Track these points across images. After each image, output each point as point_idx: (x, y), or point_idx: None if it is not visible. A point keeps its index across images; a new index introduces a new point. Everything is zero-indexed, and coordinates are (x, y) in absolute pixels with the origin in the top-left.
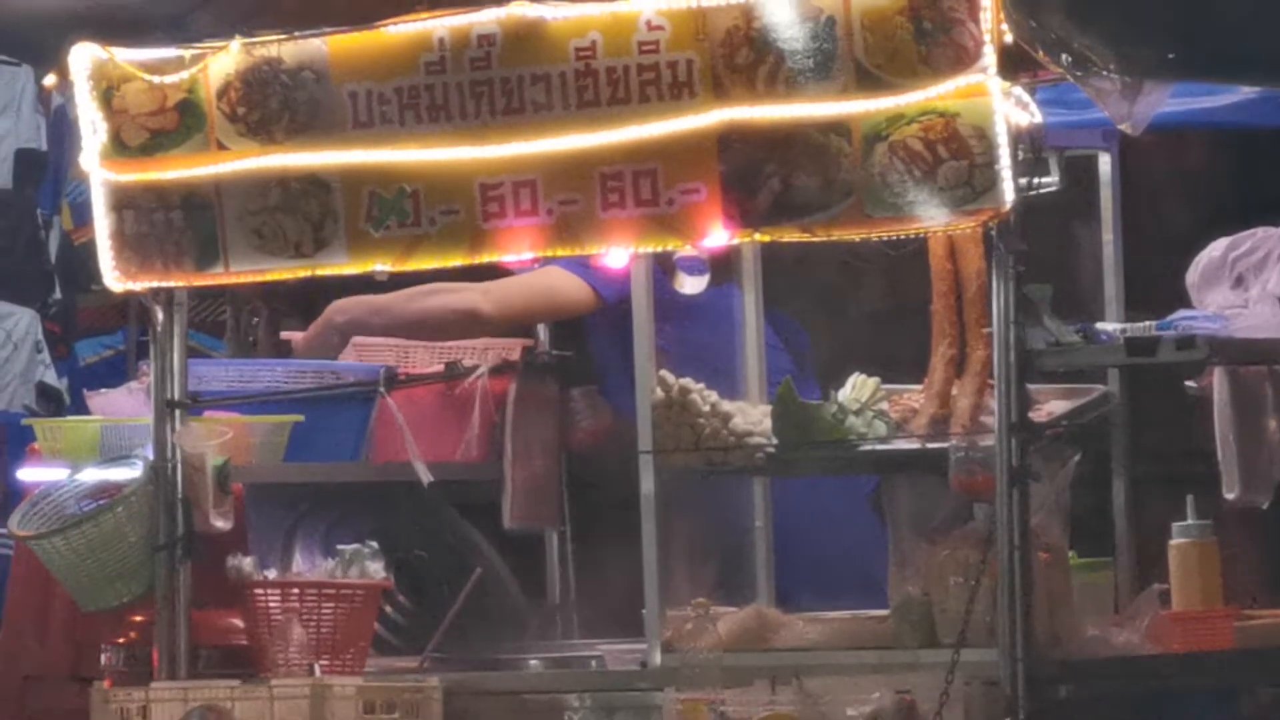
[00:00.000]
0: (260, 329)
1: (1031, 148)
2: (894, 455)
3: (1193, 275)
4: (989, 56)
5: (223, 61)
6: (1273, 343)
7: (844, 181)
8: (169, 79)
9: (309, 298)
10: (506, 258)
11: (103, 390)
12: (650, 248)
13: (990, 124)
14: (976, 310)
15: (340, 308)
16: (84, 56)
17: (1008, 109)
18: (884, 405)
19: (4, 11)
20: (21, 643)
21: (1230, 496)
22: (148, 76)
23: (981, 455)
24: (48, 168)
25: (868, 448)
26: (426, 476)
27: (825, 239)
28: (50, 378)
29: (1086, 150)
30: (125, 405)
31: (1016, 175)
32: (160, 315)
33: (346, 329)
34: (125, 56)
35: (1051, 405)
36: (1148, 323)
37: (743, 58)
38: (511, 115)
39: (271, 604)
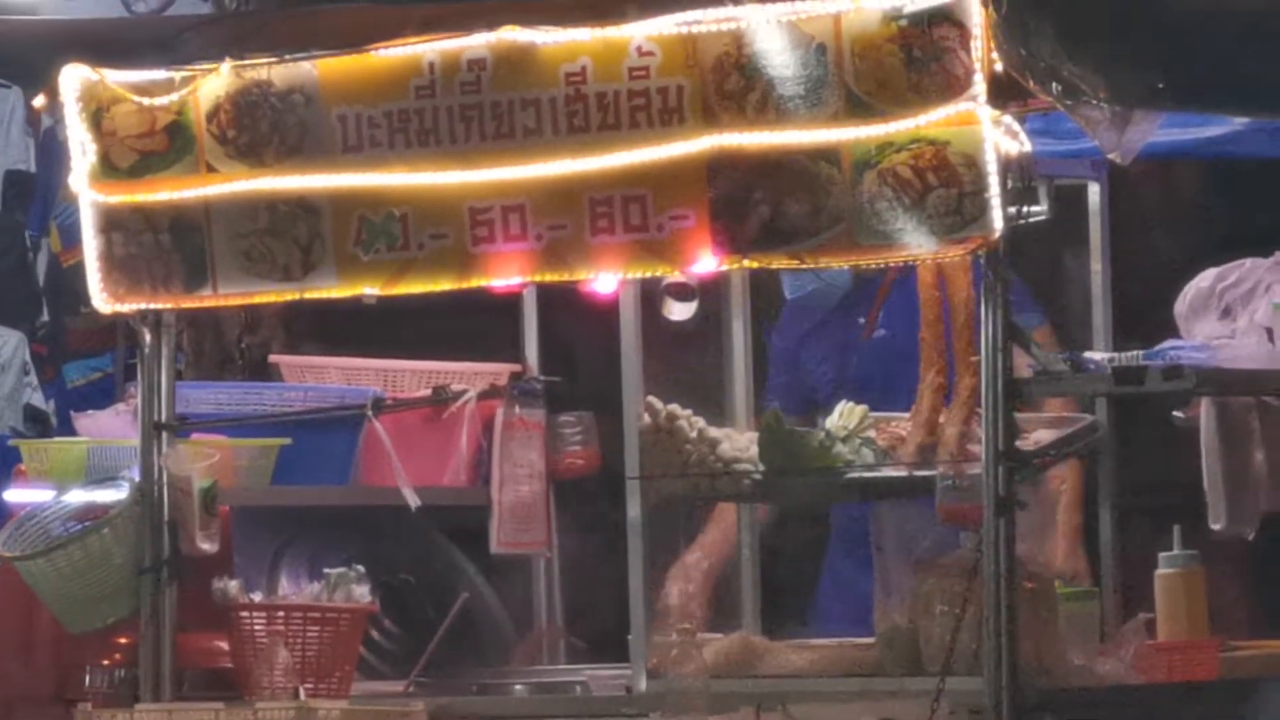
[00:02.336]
0: (250, 351)
1: (1021, 176)
2: (881, 483)
3: (1181, 305)
4: (979, 85)
5: (213, 84)
6: (1260, 373)
7: (833, 209)
8: (159, 101)
9: (324, 320)
10: (495, 282)
11: (90, 412)
12: (639, 274)
13: (980, 152)
14: (965, 338)
15: None
16: (74, 78)
17: (997, 137)
18: (871, 433)
19: None
20: (5, 664)
21: (1216, 527)
22: (137, 98)
23: (968, 483)
24: (36, 189)
25: (855, 475)
26: (414, 501)
27: (814, 266)
28: (37, 399)
29: (1076, 180)
30: (112, 427)
31: (1006, 204)
32: (148, 337)
33: None
34: (115, 78)
35: (1039, 434)
36: (1135, 352)
37: (733, 84)
38: (501, 140)
39: (257, 627)
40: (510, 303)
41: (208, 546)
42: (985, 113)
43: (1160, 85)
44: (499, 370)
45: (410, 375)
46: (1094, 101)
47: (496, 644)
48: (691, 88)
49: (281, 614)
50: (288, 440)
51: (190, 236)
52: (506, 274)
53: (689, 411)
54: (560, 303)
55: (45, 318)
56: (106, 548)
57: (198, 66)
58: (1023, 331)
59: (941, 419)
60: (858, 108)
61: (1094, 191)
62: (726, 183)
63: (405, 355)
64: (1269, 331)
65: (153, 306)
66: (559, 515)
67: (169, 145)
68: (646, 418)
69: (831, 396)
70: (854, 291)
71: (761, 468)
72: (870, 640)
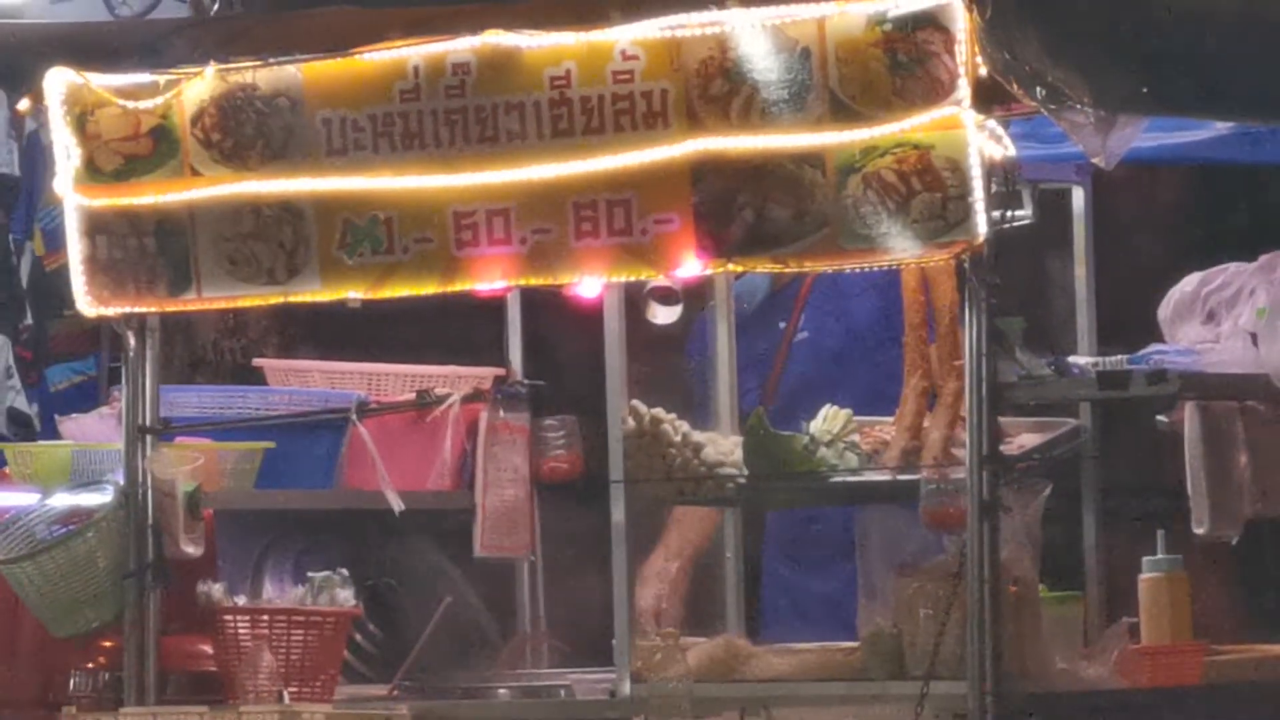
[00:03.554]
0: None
1: (1005, 181)
2: (865, 487)
3: (1165, 310)
4: (963, 89)
5: (197, 88)
6: (1243, 378)
7: (817, 213)
8: (143, 105)
9: (318, 323)
10: (479, 286)
11: (74, 415)
12: (623, 277)
13: (964, 157)
14: (949, 343)
15: None
16: (59, 81)
17: (982, 142)
18: (855, 437)
19: None
20: None
21: (1200, 531)
22: (122, 102)
23: (952, 488)
24: (20, 193)
25: (839, 479)
26: (398, 504)
27: (798, 270)
28: (21, 403)
29: (1060, 184)
30: (97, 431)
31: (990, 208)
32: (132, 341)
33: None
34: (100, 82)
35: (1023, 438)
36: (1119, 357)
37: (717, 88)
38: (486, 144)
39: (241, 630)
40: (494, 306)
41: (192, 550)
42: (969, 117)
43: (1144, 90)
44: (483, 374)
45: (394, 379)
46: (1078, 106)
47: (480, 648)
48: (675, 91)
49: (266, 618)
50: (272, 444)
51: (174, 240)
52: (490, 278)
53: (673, 415)
54: (544, 306)
55: (29, 321)
56: (91, 551)
57: (182, 70)
58: (1006, 337)
59: (926, 423)
60: (842, 112)
61: (1078, 196)
62: (711, 187)
63: (389, 359)
64: (1252, 336)
65: (137, 310)
66: (543, 519)
67: (153, 149)
68: (630, 421)
69: (756, 405)
70: (770, 297)
71: (746, 472)
72: (854, 644)
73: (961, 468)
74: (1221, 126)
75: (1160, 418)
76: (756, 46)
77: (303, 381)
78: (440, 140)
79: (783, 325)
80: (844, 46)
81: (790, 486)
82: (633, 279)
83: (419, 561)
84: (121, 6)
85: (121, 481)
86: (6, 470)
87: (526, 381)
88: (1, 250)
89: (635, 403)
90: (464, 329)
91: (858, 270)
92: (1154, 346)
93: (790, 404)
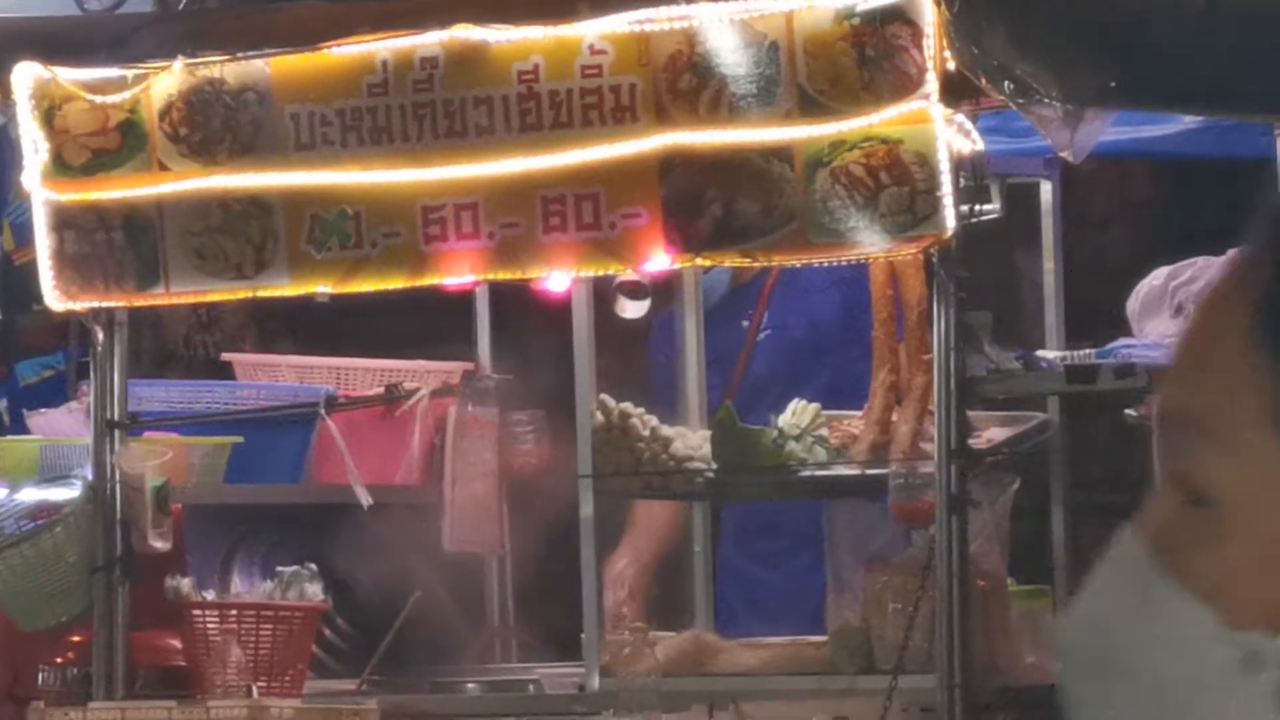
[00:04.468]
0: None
1: (973, 175)
2: (833, 481)
3: (1133, 304)
4: (931, 83)
5: (165, 82)
6: None
7: (786, 207)
8: (111, 99)
9: (293, 316)
10: (447, 281)
11: (42, 410)
12: (592, 271)
13: (932, 151)
14: (917, 337)
15: None
16: (26, 76)
17: (950, 136)
18: (824, 431)
19: None
20: None
21: None
22: (90, 96)
23: (921, 482)
24: None
25: (807, 473)
26: (366, 499)
27: (766, 264)
28: None
29: (1028, 178)
30: (65, 425)
31: (958, 202)
32: (101, 335)
33: None
34: (67, 76)
35: (991, 432)
36: (1088, 350)
37: (685, 82)
38: (454, 138)
39: (209, 625)
40: (463, 301)
41: (160, 545)
42: (938, 111)
43: (1113, 84)
44: (451, 369)
45: (363, 373)
46: (1046, 100)
47: (449, 642)
48: (644, 86)
49: (234, 612)
50: (240, 439)
51: (143, 234)
52: (459, 272)
53: (642, 410)
54: (513, 301)
55: None
56: (59, 546)
57: (150, 64)
58: (975, 331)
59: (894, 417)
60: (810, 106)
61: (1046, 190)
62: (679, 181)
63: (359, 353)
64: None
65: (105, 305)
66: (512, 514)
67: (121, 143)
68: (599, 416)
69: (719, 403)
70: (731, 294)
71: (714, 466)
72: (823, 638)
73: (930, 461)
74: (1190, 120)
75: (1129, 411)
76: (724, 41)
77: (272, 376)
78: (408, 134)
79: (745, 323)
80: (812, 40)
81: (759, 480)
82: (601, 273)
83: (387, 556)
84: (89, 1)
85: (89, 476)
86: None
87: (495, 376)
88: None
89: (604, 397)
90: (432, 323)
91: (822, 266)
92: (1122, 340)
93: (752, 401)
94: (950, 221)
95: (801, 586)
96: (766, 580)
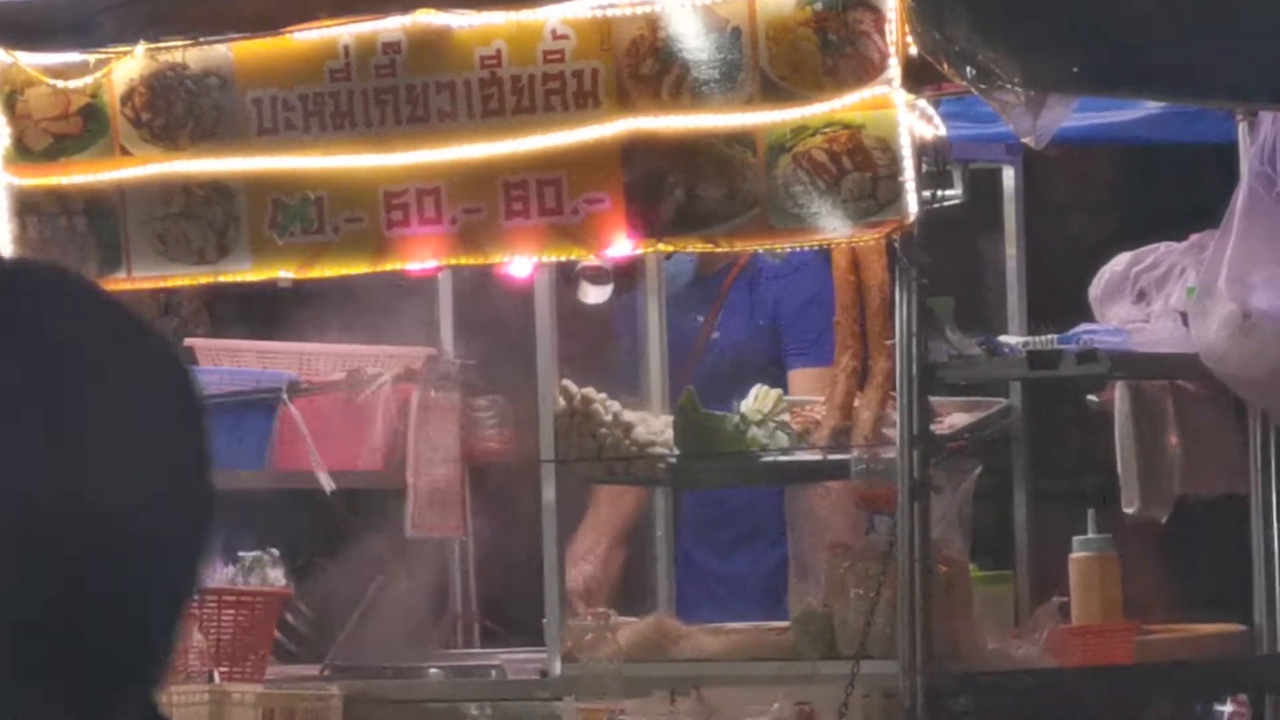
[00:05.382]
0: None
1: (935, 161)
2: (795, 466)
3: (1095, 289)
4: (894, 69)
5: (127, 67)
6: (1174, 357)
7: (748, 192)
8: (73, 84)
9: (250, 302)
10: (410, 266)
11: None
12: (554, 257)
13: (894, 136)
14: (879, 322)
15: None
16: None
17: (912, 122)
18: (786, 416)
19: None
20: None
21: (1130, 510)
22: (52, 81)
23: (883, 467)
24: None
25: (770, 459)
26: (329, 484)
27: (729, 250)
28: None
29: (990, 163)
30: None
31: (920, 188)
32: None
33: None
34: (29, 61)
35: (953, 418)
36: (1050, 336)
37: (648, 68)
38: (416, 123)
39: None
40: (425, 286)
41: None
42: (900, 97)
43: (1075, 70)
44: (414, 354)
45: (325, 358)
46: (1008, 86)
47: (412, 628)
48: (606, 71)
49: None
50: None
51: (105, 220)
52: (421, 257)
53: (604, 395)
54: (475, 286)
55: None
56: None
57: (112, 49)
58: (937, 316)
59: (856, 403)
60: (772, 92)
61: (1009, 175)
62: (641, 166)
63: (320, 339)
64: (1183, 315)
65: None
66: (474, 499)
67: (83, 128)
68: (561, 401)
69: (681, 388)
70: (694, 285)
71: (676, 451)
72: (785, 624)
73: (892, 447)
74: (1152, 106)
75: (1091, 397)
76: (687, 26)
77: (234, 361)
78: (371, 120)
79: (700, 319)
80: (774, 26)
81: (721, 466)
82: (563, 258)
83: (350, 541)
84: None
85: None
86: None
87: (457, 361)
88: None
89: (566, 382)
90: (395, 309)
91: (779, 261)
92: (1084, 326)
93: (714, 387)
94: (912, 207)
95: (761, 574)
96: (720, 569)
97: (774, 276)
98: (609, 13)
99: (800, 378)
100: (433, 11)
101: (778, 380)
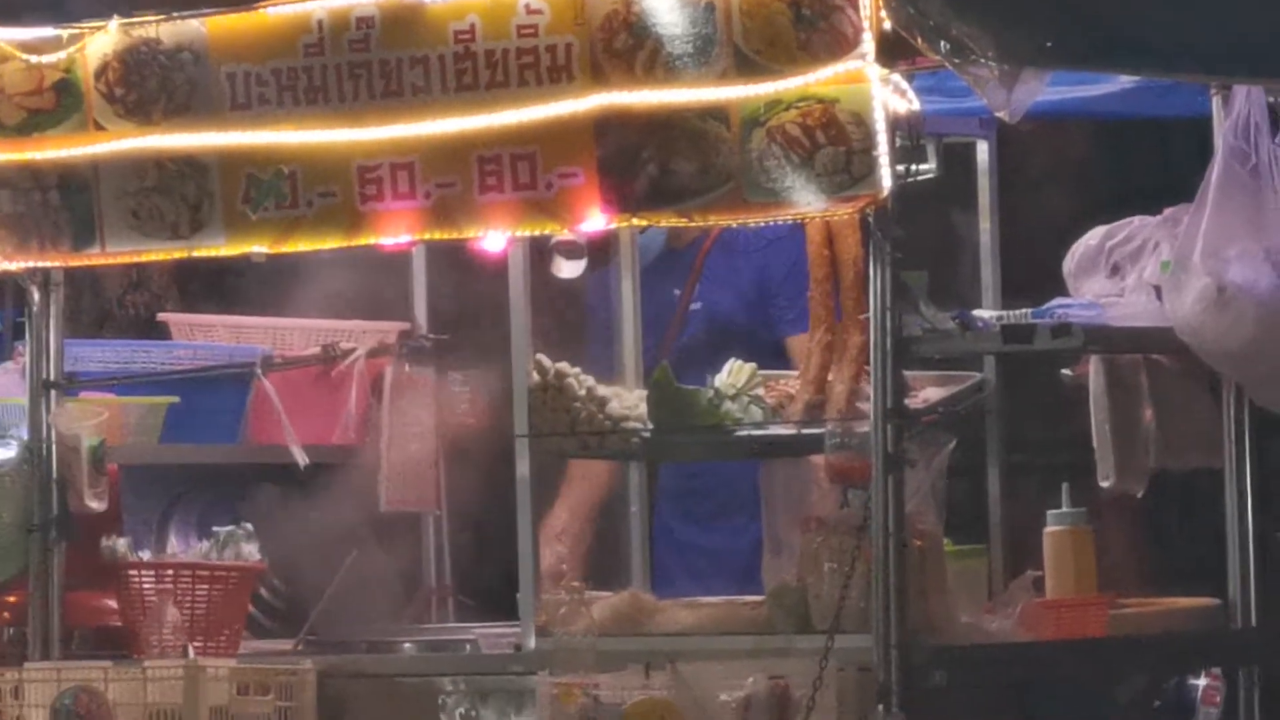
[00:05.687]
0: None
1: (909, 135)
2: (770, 440)
3: (1069, 263)
4: (868, 43)
5: (101, 42)
6: (1148, 331)
7: (722, 167)
8: (46, 59)
9: (221, 278)
10: (384, 240)
11: None
12: (528, 231)
13: (868, 110)
14: (853, 296)
15: None
16: None
17: (886, 96)
18: (760, 390)
19: None
20: None
21: (1105, 484)
22: (25, 56)
23: (857, 441)
24: None
25: (744, 433)
26: (302, 459)
27: (703, 224)
28: None
29: (964, 138)
30: (1, 385)
31: (894, 162)
32: (37, 295)
33: None
34: (3, 36)
35: (927, 392)
36: (1024, 310)
37: (621, 42)
38: (390, 98)
39: (146, 585)
40: (399, 261)
41: (96, 505)
42: (874, 71)
43: (1049, 44)
44: (388, 328)
45: (299, 333)
46: (982, 60)
47: (385, 603)
48: (580, 46)
49: (170, 572)
50: (176, 399)
51: (78, 195)
52: (395, 232)
53: (578, 369)
54: (449, 261)
55: None
56: None
57: (86, 24)
58: (911, 290)
59: (830, 377)
60: (746, 66)
61: (982, 149)
62: (615, 141)
63: (294, 313)
64: (1157, 289)
65: (41, 265)
66: (448, 474)
67: (57, 103)
68: (535, 375)
69: (653, 366)
70: (663, 256)
71: (650, 426)
72: (760, 598)
73: (866, 421)
74: (1125, 80)
75: (1065, 371)
76: (661, 1)
77: (207, 336)
78: (344, 94)
79: (677, 291)
80: (748, 0)
81: (695, 440)
82: (537, 233)
83: (324, 516)
84: None
85: (26, 436)
86: None
87: (431, 336)
88: None
89: (540, 357)
90: (369, 283)
91: (753, 231)
92: (1058, 300)
93: (681, 369)
94: (886, 181)
95: (740, 548)
96: (698, 543)
97: (753, 250)
98: None
99: (798, 344)
100: None
101: (765, 347)
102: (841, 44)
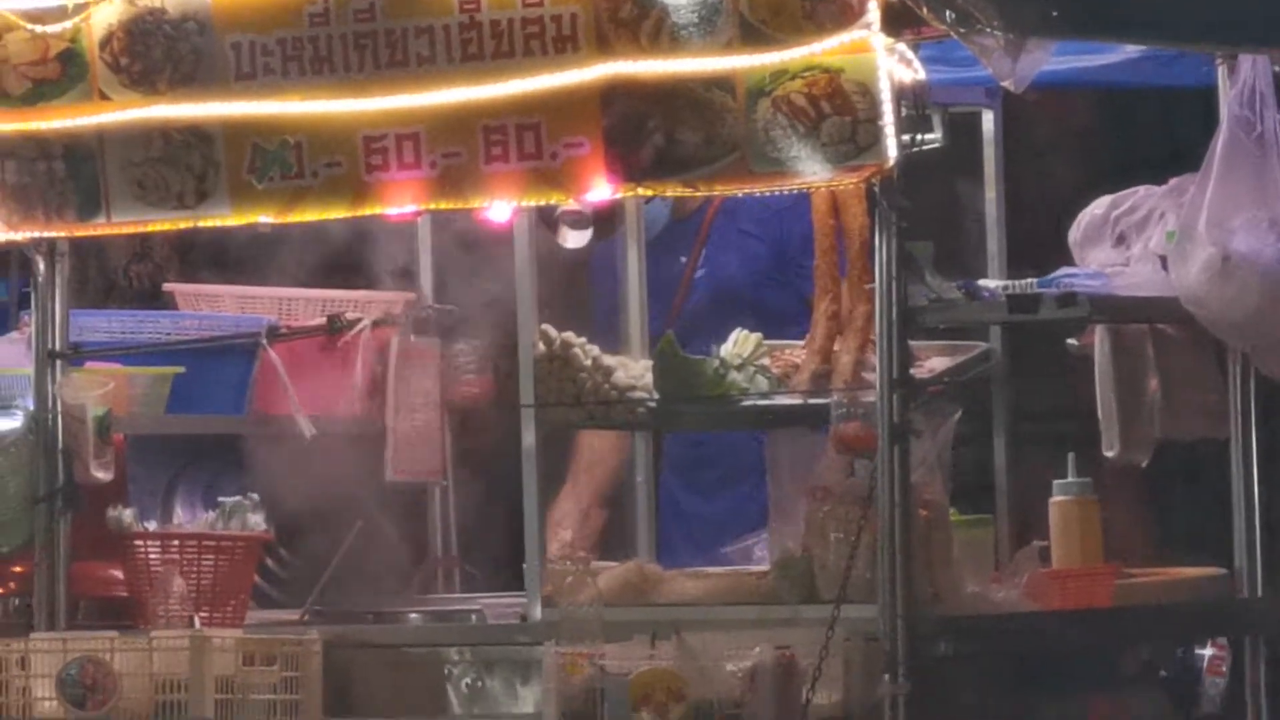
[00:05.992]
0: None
1: (915, 104)
2: (776, 410)
3: (1075, 233)
4: (873, 13)
5: (105, 11)
6: (1154, 301)
7: (728, 136)
8: (52, 29)
9: (222, 249)
10: (389, 210)
11: None
12: (533, 201)
13: (874, 80)
14: (859, 266)
15: None
16: None
17: (891, 65)
18: (766, 360)
19: None
20: None
21: (1110, 454)
22: (30, 26)
23: (863, 411)
24: None
25: (749, 403)
26: (308, 429)
27: (709, 194)
28: None
29: (970, 107)
30: (6, 356)
31: (899, 132)
32: (42, 266)
33: None
34: (8, 5)
35: (933, 362)
36: (1030, 280)
37: (627, 12)
38: (395, 68)
39: (151, 556)
40: (405, 230)
41: (102, 475)
42: (879, 40)
43: (1054, 13)
44: (393, 298)
45: (305, 303)
46: (988, 29)
47: (391, 573)
48: (585, 15)
49: (176, 542)
50: (182, 369)
51: (84, 165)
52: (400, 202)
53: (583, 339)
54: (455, 230)
55: None
56: (1, 477)
57: None
58: (916, 260)
59: (836, 346)
60: (752, 35)
61: (988, 119)
62: (621, 110)
63: (300, 283)
64: (1162, 259)
65: (46, 235)
66: (454, 444)
67: (62, 73)
68: (541, 346)
69: (660, 335)
70: (670, 227)
71: (656, 396)
72: (765, 568)
73: (872, 391)
74: (1131, 50)
75: (1070, 341)
76: None
77: (213, 306)
78: (350, 64)
79: (683, 259)
80: None
81: (701, 410)
82: (543, 203)
83: (330, 486)
84: None
85: (31, 407)
86: None
87: (437, 306)
88: None
89: (546, 327)
90: (374, 253)
91: (759, 199)
92: (1064, 270)
93: (688, 336)
94: (892, 151)
95: (745, 517)
96: (709, 511)
97: (765, 215)
98: None
99: None
100: None
101: (773, 313)
102: (847, 13)
